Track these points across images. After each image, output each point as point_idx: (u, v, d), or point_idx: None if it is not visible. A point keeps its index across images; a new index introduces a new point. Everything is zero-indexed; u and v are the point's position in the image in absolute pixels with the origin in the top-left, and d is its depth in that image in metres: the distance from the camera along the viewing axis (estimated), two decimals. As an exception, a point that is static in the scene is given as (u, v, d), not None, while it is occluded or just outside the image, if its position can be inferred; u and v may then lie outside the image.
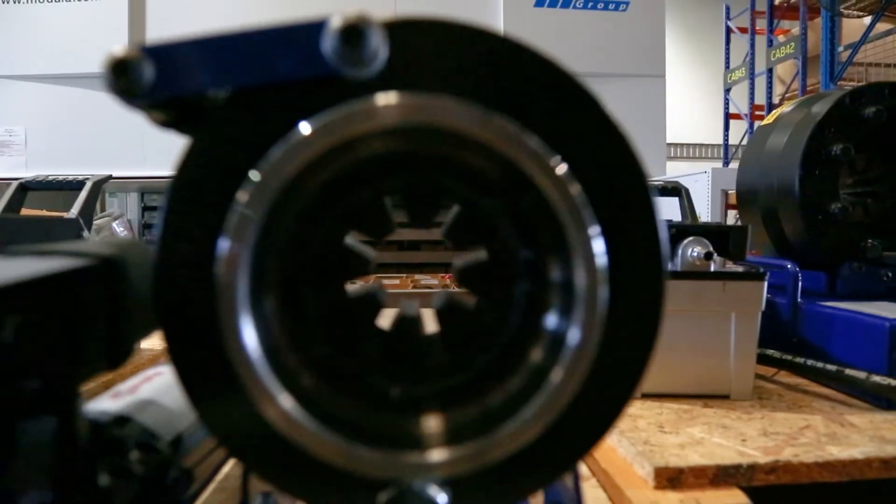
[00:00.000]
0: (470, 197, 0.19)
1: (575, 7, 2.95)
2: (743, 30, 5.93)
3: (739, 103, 5.96)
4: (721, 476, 0.44)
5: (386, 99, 0.16)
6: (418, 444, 0.17)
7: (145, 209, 3.51)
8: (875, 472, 0.46)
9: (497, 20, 2.85)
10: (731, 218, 2.92)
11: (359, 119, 0.16)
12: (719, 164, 5.73)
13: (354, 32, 0.17)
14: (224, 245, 0.16)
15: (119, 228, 0.68)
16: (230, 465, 0.38)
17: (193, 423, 0.26)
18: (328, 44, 0.17)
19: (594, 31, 2.90)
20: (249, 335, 0.17)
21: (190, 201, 0.18)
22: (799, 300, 0.69)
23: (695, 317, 0.58)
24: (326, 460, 0.17)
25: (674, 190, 0.76)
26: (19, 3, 2.82)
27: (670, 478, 0.44)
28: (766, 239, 0.79)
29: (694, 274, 0.57)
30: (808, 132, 0.71)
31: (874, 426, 0.53)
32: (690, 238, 0.56)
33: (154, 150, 2.75)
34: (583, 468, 0.47)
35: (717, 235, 0.57)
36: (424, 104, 0.16)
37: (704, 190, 2.79)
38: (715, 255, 0.55)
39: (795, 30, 5.17)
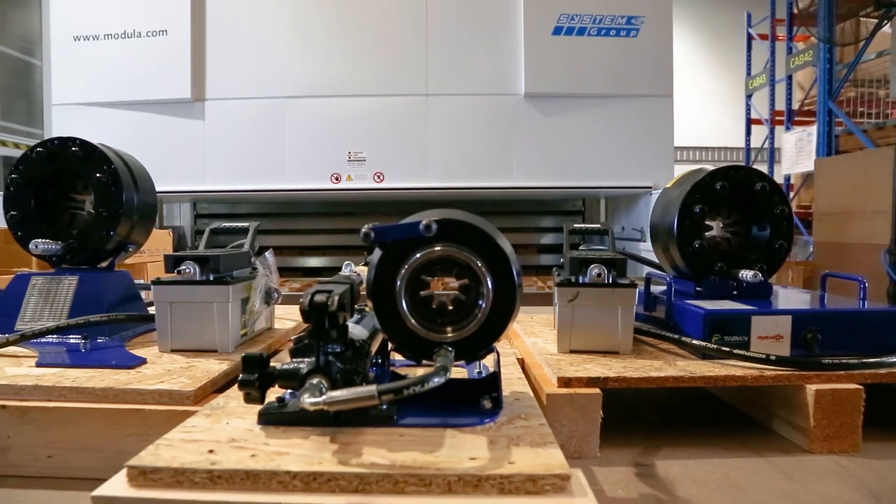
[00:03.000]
0: (459, 269, 0.73)
1: (589, 34, 3.43)
2: (763, 37, 6.14)
3: (760, 109, 6.26)
4: (590, 383, 0.96)
5: (437, 247, 0.69)
6: (445, 333, 0.72)
7: (197, 216, 4.06)
8: (671, 383, 0.98)
9: (518, 48, 3.32)
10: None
11: (430, 253, 0.69)
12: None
13: (429, 226, 0.70)
14: (398, 282, 0.70)
15: (269, 257, 1.21)
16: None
17: (364, 339, 0.80)
18: (420, 228, 0.71)
19: (607, 55, 3.38)
20: (405, 304, 0.70)
21: (383, 270, 0.72)
22: (673, 299, 1.20)
23: (597, 308, 1.09)
24: (421, 337, 0.71)
25: (604, 231, 1.27)
26: (97, 39, 3.35)
27: (564, 382, 0.96)
28: (665, 261, 1.30)
29: (596, 284, 1.08)
30: (682, 197, 1.21)
31: (685, 365, 1.03)
32: (594, 264, 1.08)
33: (214, 168, 3.30)
34: (522, 376, 0.99)
35: (610, 262, 1.08)
36: (447, 249, 0.69)
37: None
38: (605, 273, 1.07)
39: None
